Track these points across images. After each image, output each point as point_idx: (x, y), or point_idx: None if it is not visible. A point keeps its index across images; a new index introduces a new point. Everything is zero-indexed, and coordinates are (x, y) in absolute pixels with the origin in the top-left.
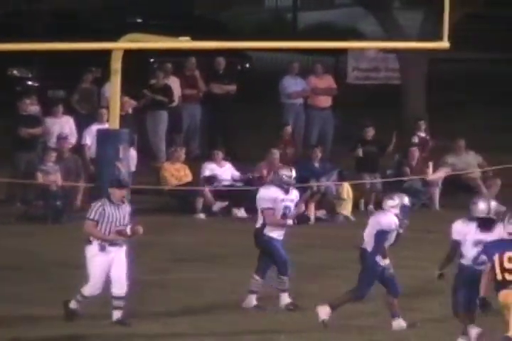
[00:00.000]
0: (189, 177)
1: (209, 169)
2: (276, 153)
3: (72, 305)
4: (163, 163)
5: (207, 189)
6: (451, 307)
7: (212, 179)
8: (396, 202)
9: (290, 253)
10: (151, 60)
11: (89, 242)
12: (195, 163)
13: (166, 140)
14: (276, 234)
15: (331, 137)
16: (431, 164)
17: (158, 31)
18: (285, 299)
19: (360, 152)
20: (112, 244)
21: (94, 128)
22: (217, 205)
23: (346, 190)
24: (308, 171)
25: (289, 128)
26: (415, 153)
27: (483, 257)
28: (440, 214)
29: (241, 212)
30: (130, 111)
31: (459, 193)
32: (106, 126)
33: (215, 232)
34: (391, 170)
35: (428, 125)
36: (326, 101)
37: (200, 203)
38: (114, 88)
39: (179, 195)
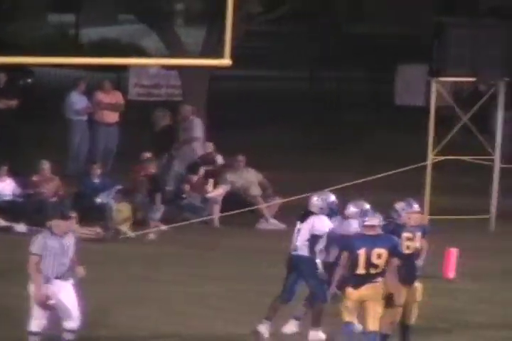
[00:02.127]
0: None
1: None
2: (46, 164)
3: None
4: None
5: None
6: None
7: None
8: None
9: None
10: None
11: None
12: None
13: None
14: None
15: (114, 153)
16: (211, 181)
17: None
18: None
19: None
20: (57, 277)
21: None
22: None
23: (126, 206)
24: (87, 187)
25: (147, 154)
26: (200, 170)
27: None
28: (220, 231)
29: (21, 227)
30: None
31: (239, 210)
32: None
33: None
34: (170, 187)
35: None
36: (112, 117)
37: None
38: None
39: None
